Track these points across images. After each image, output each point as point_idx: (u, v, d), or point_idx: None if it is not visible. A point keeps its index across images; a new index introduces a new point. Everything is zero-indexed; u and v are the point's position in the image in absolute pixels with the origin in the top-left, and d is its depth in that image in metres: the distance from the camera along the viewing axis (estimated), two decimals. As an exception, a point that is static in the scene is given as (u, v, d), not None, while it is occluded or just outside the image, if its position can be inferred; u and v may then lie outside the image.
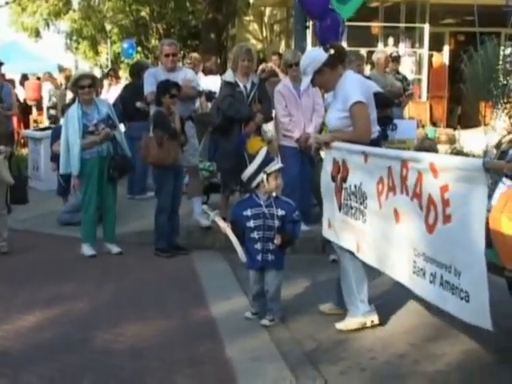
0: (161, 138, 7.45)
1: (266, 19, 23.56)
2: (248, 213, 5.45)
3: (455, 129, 16.22)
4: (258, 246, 5.44)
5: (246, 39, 23.74)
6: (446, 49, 19.62)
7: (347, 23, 18.69)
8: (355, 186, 5.28)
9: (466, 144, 13.67)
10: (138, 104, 9.60)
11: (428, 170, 4.13)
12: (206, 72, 12.20)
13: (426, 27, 19.02)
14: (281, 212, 5.40)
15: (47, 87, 18.21)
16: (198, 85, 9.00)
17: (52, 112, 17.44)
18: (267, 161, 5.47)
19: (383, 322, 5.56)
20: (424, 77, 19.32)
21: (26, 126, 17.23)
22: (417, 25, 19.15)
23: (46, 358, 4.85)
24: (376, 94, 8.49)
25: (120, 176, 7.93)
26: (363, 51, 16.89)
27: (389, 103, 9.15)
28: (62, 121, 8.96)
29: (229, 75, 8.06)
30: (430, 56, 19.19)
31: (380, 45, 19.14)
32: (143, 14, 26.37)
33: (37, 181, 11.70)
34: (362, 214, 5.20)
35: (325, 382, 4.50)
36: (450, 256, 3.95)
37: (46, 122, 17.05)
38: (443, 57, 19.28)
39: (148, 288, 6.60)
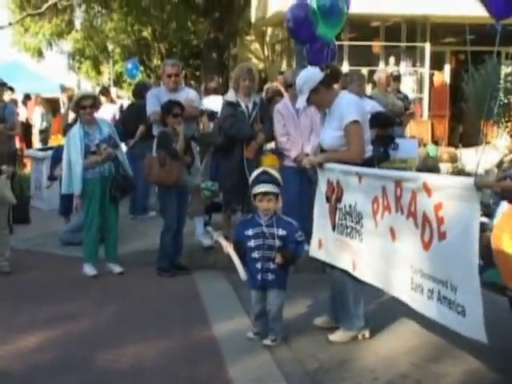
0: (163, 158, 7.46)
1: (267, 39, 23.66)
2: (249, 232, 5.47)
3: (457, 147, 16.23)
4: (259, 265, 5.44)
5: (248, 59, 23.84)
6: (447, 68, 19.69)
7: (348, 43, 18.91)
8: (350, 206, 5.35)
9: (468, 163, 13.67)
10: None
11: (421, 189, 4.23)
12: (210, 92, 12.25)
13: (427, 46, 19.09)
14: (282, 232, 5.40)
15: (39, 111, 18.15)
16: (201, 104, 9.03)
17: (44, 136, 17.42)
18: (256, 182, 5.49)
19: (385, 341, 5.56)
20: (425, 96, 19.38)
21: (28, 146, 17.25)
22: (418, 44, 19.22)
23: (47, 378, 4.85)
24: (378, 114, 8.61)
25: (122, 196, 7.94)
26: (364, 70, 16.98)
27: (390, 122, 9.17)
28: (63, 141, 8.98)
29: (230, 95, 8.10)
30: (431, 75, 19.25)
31: (381, 64, 19.22)
32: (145, 33, 26.54)
33: (39, 200, 11.71)
34: (358, 233, 5.27)
35: (327, 402, 4.49)
36: (446, 272, 4.03)
37: (37, 146, 16.97)
38: (444, 75, 19.34)
39: (150, 308, 6.59)
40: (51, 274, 7.90)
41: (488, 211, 5.39)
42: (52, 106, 20.26)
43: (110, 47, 30.59)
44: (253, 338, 5.57)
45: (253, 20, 22.54)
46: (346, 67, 18.28)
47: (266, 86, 11.49)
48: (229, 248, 5.50)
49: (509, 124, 13.02)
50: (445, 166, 13.19)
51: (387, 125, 8.86)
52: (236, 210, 8.34)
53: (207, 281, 7.48)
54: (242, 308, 6.39)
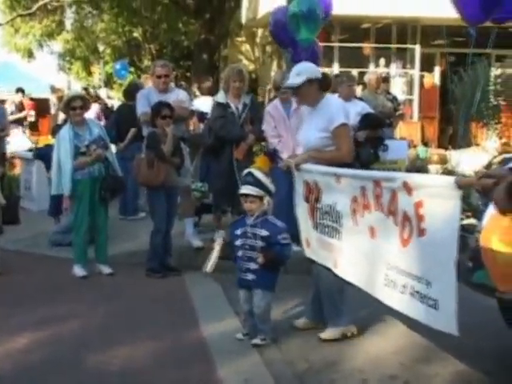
0: (151, 159, 7.47)
1: (258, 40, 23.67)
2: (237, 232, 5.53)
3: (447, 149, 16.29)
4: (241, 264, 5.48)
5: (239, 60, 23.86)
6: (437, 69, 19.74)
7: (339, 44, 18.94)
8: (329, 206, 5.43)
9: (458, 164, 13.72)
10: None
11: (402, 188, 4.28)
12: (205, 92, 12.28)
13: (417, 48, 19.15)
14: (264, 233, 5.40)
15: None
16: (191, 105, 9.04)
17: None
18: (241, 182, 5.55)
19: (374, 342, 5.58)
20: (415, 97, 19.42)
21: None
22: (408, 46, 19.28)
23: (37, 380, 4.84)
24: (368, 115, 8.64)
25: (111, 197, 7.93)
26: (355, 72, 17.00)
27: (380, 124, 9.20)
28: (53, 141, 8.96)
29: (221, 96, 8.11)
30: (421, 77, 19.29)
31: (371, 66, 19.26)
32: (136, 34, 26.52)
33: (29, 201, 11.68)
34: (337, 232, 5.35)
35: (316, 403, 4.50)
36: (423, 268, 4.08)
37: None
38: (434, 77, 19.38)
39: (139, 309, 6.59)
40: (41, 275, 7.88)
41: (477, 213, 5.43)
42: (42, 106, 20.23)
43: (101, 48, 30.59)
44: (242, 339, 5.58)
45: (243, 21, 22.56)
46: (336, 69, 18.33)
47: (268, 87, 11.55)
48: (216, 244, 5.58)
49: (498, 126, 13.08)
50: (434, 168, 13.22)
51: (377, 126, 8.90)
52: (226, 211, 8.35)
53: (197, 282, 7.47)
54: (231, 309, 6.39)
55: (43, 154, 10.76)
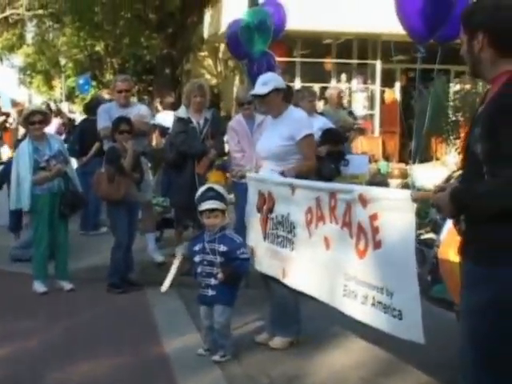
0: (112, 174, 7.45)
1: (220, 55, 23.73)
2: (196, 248, 5.52)
3: (407, 163, 16.46)
4: (200, 280, 5.47)
5: (201, 74, 23.87)
6: (398, 85, 19.97)
7: (300, 59, 19.08)
8: (282, 216, 5.45)
9: (418, 178, 13.86)
10: None
11: (357, 200, 4.31)
12: (167, 107, 12.29)
13: (378, 64, 19.36)
14: (223, 248, 5.38)
15: None
16: (152, 120, 9.03)
17: None
18: (202, 199, 5.51)
19: (335, 357, 5.60)
20: (376, 112, 19.64)
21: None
22: (369, 61, 19.49)
23: (-5, 399, 4.77)
24: (329, 130, 8.69)
25: (71, 212, 7.86)
26: (316, 87, 17.13)
27: (341, 139, 9.26)
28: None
29: (182, 111, 8.10)
30: (382, 92, 19.51)
31: (333, 81, 19.43)
32: (98, 48, 26.37)
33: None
34: (289, 242, 5.37)
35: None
36: (382, 279, 4.10)
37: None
38: (395, 93, 19.61)
39: (100, 325, 6.53)
40: (0, 290, 7.78)
41: (435, 227, 5.49)
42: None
43: (62, 62, 30.38)
44: (203, 355, 5.56)
45: (206, 36, 22.61)
46: (298, 83, 18.45)
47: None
48: (175, 259, 5.57)
49: (457, 141, 13.25)
50: (395, 182, 13.36)
51: (338, 141, 8.95)
52: (188, 226, 8.33)
53: (159, 297, 7.41)
54: (193, 324, 6.36)
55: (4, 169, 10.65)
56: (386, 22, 16.44)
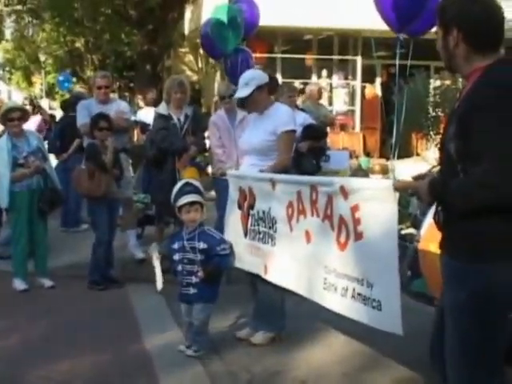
0: (92, 170, 7.42)
1: (201, 51, 23.66)
2: (175, 246, 5.48)
3: (388, 159, 16.52)
4: (181, 279, 5.45)
5: (182, 71, 23.82)
6: (378, 81, 20.03)
7: (281, 55, 19.08)
8: (263, 212, 5.43)
9: (400, 174, 13.91)
10: None
11: (338, 192, 4.29)
12: (149, 103, 12.26)
13: (359, 59, 19.41)
14: (203, 245, 5.36)
15: None
16: (132, 116, 9.00)
17: None
18: (180, 194, 5.46)
19: (316, 352, 5.61)
20: (357, 108, 19.70)
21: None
22: (349, 57, 19.53)
23: (-26, 397, 4.74)
24: (310, 126, 8.69)
25: (50, 209, 7.81)
26: (297, 83, 17.15)
27: (322, 135, 9.27)
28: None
29: (162, 108, 8.07)
30: (363, 88, 19.57)
31: (314, 77, 19.46)
32: (78, 44, 26.26)
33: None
34: (271, 237, 5.35)
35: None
36: (363, 270, 4.09)
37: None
38: (376, 88, 19.67)
39: (81, 322, 6.50)
40: (-20, 289, 7.75)
41: (415, 222, 5.52)
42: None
43: (42, 58, 30.20)
44: (184, 351, 5.55)
45: (186, 32, 22.57)
46: (279, 80, 18.44)
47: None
48: (154, 259, 5.53)
49: (437, 137, 13.32)
50: (376, 177, 13.39)
51: (319, 137, 8.96)
52: (169, 223, 8.30)
53: (140, 294, 7.42)
54: (174, 321, 6.34)
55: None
56: (367, 18, 16.51)
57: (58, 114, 18.00)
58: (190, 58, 25.02)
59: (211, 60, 22.10)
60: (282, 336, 5.82)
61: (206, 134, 9.22)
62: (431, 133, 13.55)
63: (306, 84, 15.74)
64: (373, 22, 16.00)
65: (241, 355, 5.57)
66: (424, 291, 4.71)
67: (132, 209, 8.75)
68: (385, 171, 14.65)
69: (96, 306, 7.05)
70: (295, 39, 19.62)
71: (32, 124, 11.64)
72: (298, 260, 4.94)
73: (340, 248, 4.32)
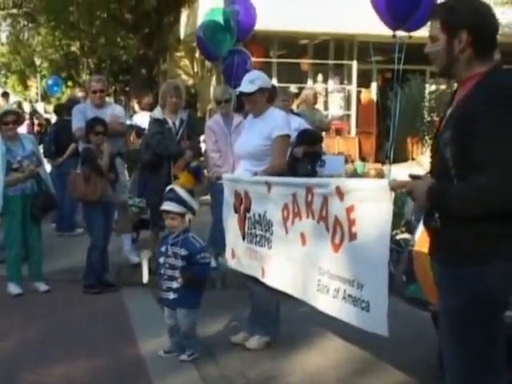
0: (88, 175, 7.42)
1: (197, 55, 23.67)
2: (162, 249, 5.50)
3: (384, 163, 16.54)
4: (161, 282, 5.46)
5: (178, 75, 23.81)
6: (374, 85, 20.06)
7: (277, 60, 19.10)
8: (259, 215, 5.43)
9: (394, 178, 13.91)
10: None
11: (334, 193, 4.27)
12: (145, 107, 12.26)
13: (354, 64, 19.43)
14: (184, 252, 5.35)
15: None
16: (126, 120, 8.99)
17: None
18: (164, 199, 5.49)
19: (311, 357, 5.61)
20: (353, 112, 19.71)
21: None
22: (345, 62, 19.55)
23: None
24: (305, 131, 8.69)
25: (43, 214, 7.79)
26: (293, 87, 17.16)
27: (318, 139, 9.27)
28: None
29: (157, 112, 8.07)
30: (359, 92, 19.59)
31: (309, 81, 19.47)
32: (74, 48, 26.23)
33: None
34: (267, 240, 5.35)
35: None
36: (354, 271, 4.08)
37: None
38: (371, 93, 19.69)
39: (76, 326, 6.49)
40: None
41: (410, 227, 5.51)
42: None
43: (38, 62, 30.17)
44: (163, 357, 5.51)
45: (182, 36, 22.57)
46: (274, 84, 18.46)
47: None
48: (144, 260, 5.55)
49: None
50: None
51: (315, 142, 8.95)
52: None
53: (135, 298, 7.42)
54: (169, 325, 6.35)
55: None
56: (362, 23, 16.61)
57: (54, 118, 18.00)
58: (185, 62, 25.01)
59: (207, 64, 22.16)
60: (277, 341, 5.82)
61: (202, 138, 9.23)
62: (426, 137, 13.54)
63: (301, 88, 15.75)
64: (368, 26, 16.10)
65: (235, 360, 5.57)
66: (419, 296, 4.71)
67: (127, 213, 8.74)
68: (380, 176, 14.68)
69: (91, 310, 7.03)
70: (291, 44, 19.63)
71: (23, 128, 11.63)
72: (293, 263, 4.93)
73: (334, 249, 4.31)
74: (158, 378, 5.16)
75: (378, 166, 16.34)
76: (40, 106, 23.70)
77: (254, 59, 11.42)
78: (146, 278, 5.68)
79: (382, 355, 5.35)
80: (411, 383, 5.07)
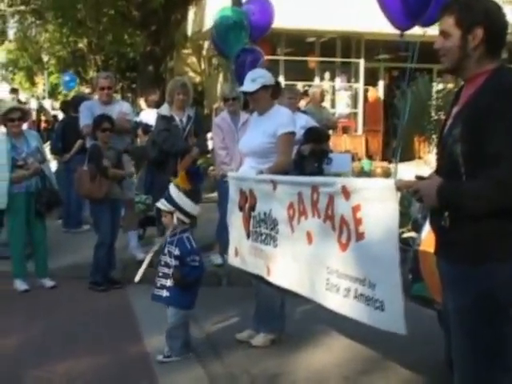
0: (94, 173, 7.42)
1: (204, 52, 23.71)
2: (163, 246, 5.53)
3: (390, 162, 16.51)
4: (156, 279, 5.48)
5: (185, 72, 23.82)
6: (381, 83, 20.03)
7: (284, 58, 19.08)
8: (265, 214, 5.40)
9: (402, 176, 13.89)
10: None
11: (339, 192, 4.24)
12: (151, 105, 12.26)
13: (362, 62, 19.40)
14: (177, 252, 5.37)
15: None
16: (134, 117, 9.00)
17: None
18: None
19: (317, 355, 5.61)
20: (360, 111, 19.67)
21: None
22: (352, 60, 19.51)
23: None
24: (312, 129, 8.68)
25: (47, 211, 7.80)
26: (300, 85, 17.14)
27: (324, 137, 9.25)
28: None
29: (164, 109, 8.08)
30: (366, 90, 19.55)
31: (316, 79, 19.45)
32: (81, 45, 26.23)
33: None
34: (272, 239, 5.32)
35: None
36: (365, 270, 4.06)
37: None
38: (378, 91, 19.66)
39: (82, 323, 6.51)
40: (-19, 289, 7.75)
41: (416, 226, 5.50)
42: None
43: (45, 58, 30.20)
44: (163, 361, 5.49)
45: (189, 34, 22.57)
46: (281, 82, 18.45)
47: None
48: (148, 256, 5.55)
49: (440, 140, 13.30)
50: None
51: (321, 140, 8.94)
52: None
53: (140, 295, 7.38)
54: (175, 323, 6.35)
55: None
56: (370, 21, 16.57)
57: (61, 114, 18.05)
58: (192, 59, 25.02)
59: (214, 61, 22.18)
60: (282, 338, 5.82)
61: (209, 136, 9.23)
62: (433, 136, 13.50)
63: (308, 86, 15.74)
64: (375, 24, 16.08)
65: (241, 357, 5.58)
66: (425, 295, 4.70)
67: (133, 210, 8.75)
68: (387, 174, 14.65)
69: (97, 307, 7.05)
70: (298, 41, 19.60)
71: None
72: (299, 261, 4.91)
73: (341, 248, 4.29)
74: (163, 374, 5.18)
75: (385, 164, 16.30)
76: (47, 103, 23.75)
77: (263, 57, 11.40)
78: (138, 278, 5.66)
79: (388, 353, 5.35)
80: (418, 381, 5.07)
